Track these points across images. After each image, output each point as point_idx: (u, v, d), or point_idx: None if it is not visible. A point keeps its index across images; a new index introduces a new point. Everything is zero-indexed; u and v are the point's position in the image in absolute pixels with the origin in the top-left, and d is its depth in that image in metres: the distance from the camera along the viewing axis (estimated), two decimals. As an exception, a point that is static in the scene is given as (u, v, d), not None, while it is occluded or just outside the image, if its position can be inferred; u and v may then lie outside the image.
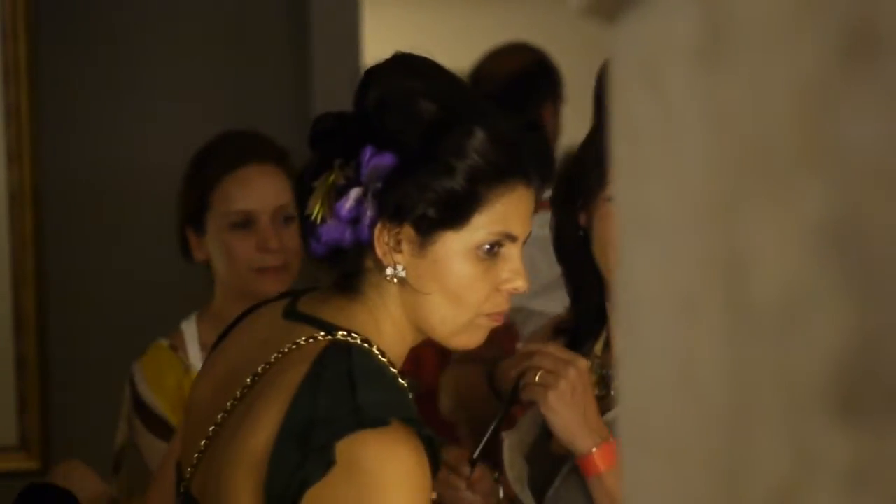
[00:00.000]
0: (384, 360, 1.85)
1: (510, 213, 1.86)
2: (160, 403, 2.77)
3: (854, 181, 0.65)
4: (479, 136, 1.83)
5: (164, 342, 2.84)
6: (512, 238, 1.87)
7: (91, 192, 3.82)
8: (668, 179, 0.85)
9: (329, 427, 1.74)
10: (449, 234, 1.84)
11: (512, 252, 1.88)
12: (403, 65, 1.89)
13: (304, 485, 1.73)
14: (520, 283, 1.88)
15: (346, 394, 1.76)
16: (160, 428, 2.76)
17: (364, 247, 1.84)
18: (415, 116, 1.84)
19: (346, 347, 1.83)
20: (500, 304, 1.88)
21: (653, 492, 0.87)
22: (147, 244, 3.76)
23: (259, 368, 1.85)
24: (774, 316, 0.70)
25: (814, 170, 0.67)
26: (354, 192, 1.83)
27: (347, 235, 1.84)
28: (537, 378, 2.14)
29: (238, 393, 1.86)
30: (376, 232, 1.83)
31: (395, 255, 1.84)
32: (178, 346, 2.83)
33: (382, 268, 1.85)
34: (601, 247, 2.18)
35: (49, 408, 3.86)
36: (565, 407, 2.11)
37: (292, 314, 1.90)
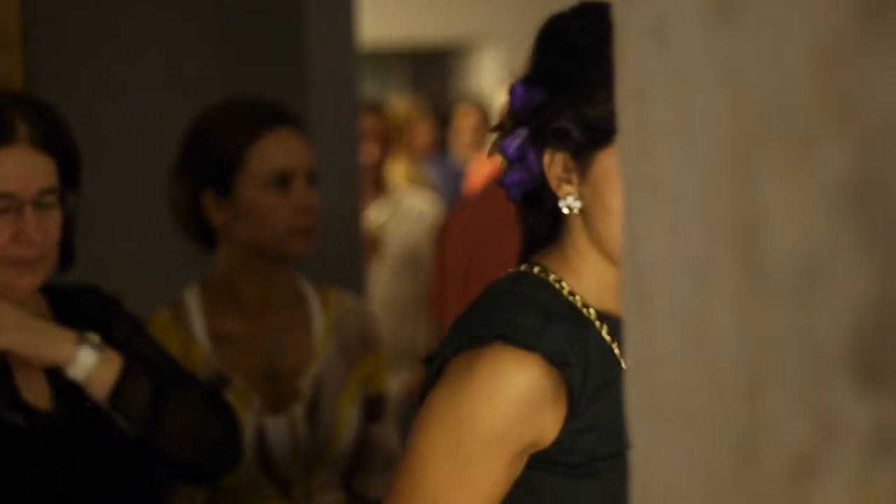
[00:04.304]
0: (565, 292, 1.90)
1: None
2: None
3: (873, 138, 0.63)
4: None
5: (166, 313, 2.82)
6: None
7: (85, 158, 3.80)
8: (677, 140, 0.83)
9: (443, 345, 1.88)
10: (601, 155, 1.87)
11: None
12: (577, 9, 1.96)
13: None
14: None
15: (468, 315, 1.89)
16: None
17: (549, 189, 1.90)
18: (563, 49, 1.91)
19: (515, 276, 1.92)
20: None
21: (665, 460, 0.86)
22: (144, 219, 3.74)
23: None
24: (791, 278, 0.68)
25: (832, 127, 0.65)
26: (519, 132, 1.91)
27: (523, 176, 1.92)
28: None
29: None
30: (545, 166, 1.89)
31: (567, 187, 1.89)
32: (181, 316, 2.81)
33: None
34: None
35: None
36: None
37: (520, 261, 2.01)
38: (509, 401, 1.80)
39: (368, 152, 5.65)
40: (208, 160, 2.78)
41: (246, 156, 2.76)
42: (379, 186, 5.65)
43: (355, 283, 3.74)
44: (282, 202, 2.76)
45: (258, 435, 2.76)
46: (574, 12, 1.94)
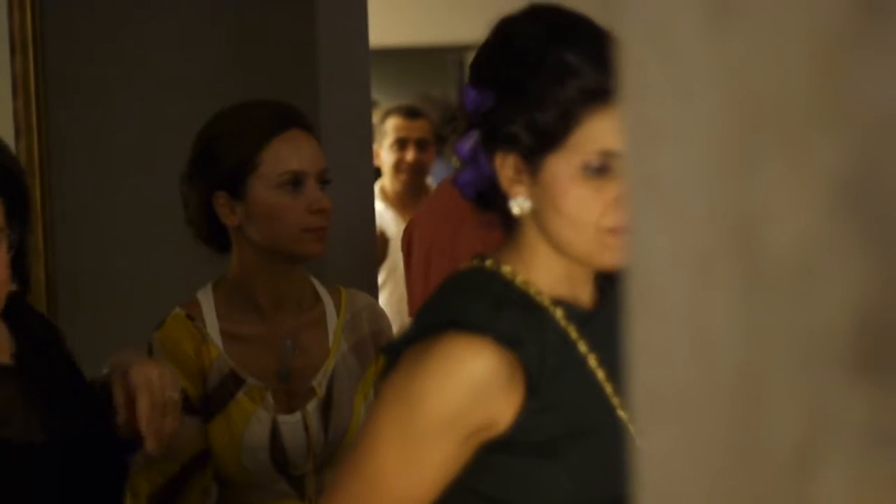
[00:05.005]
0: (517, 281, 1.94)
1: (608, 130, 1.89)
2: (179, 376, 2.77)
3: (869, 134, 0.64)
4: (571, 62, 1.89)
5: (180, 312, 2.84)
6: (616, 155, 1.91)
7: (99, 162, 3.82)
8: (678, 138, 0.84)
9: (400, 337, 1.94)
10: (552, 158, 1.90)
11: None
12: (525, 13, 1.98)
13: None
14: None
15: (424, 308, 1.94)
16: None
17: (501, 189, 1.94)
18: (511, 54, 1.93)
19: (468, 269, 1.97)
20: (621, 219, 1.91)
21: (667, 458, 0.86)
22: (158, 221, 3.75)
23: None
24: (789, 273, 0.69)
25: (829, 124, 0.66)
26: (472, 133, 1.95)
27: (476, 176, 1.96)
28: None
29: None
30: (497, 168, 1.93)
31: (518, 188, 1.93)
32: (194, 316, 2.83)
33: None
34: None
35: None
36: None
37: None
38: (462, 383, 1.83)
39: (411, 158, 5.59)
40: (220, 163, 2.79)
41: (258, 158, 2.78)
42: (424, 192, 5.59)
43: (367, 284, 3.75)
44: (294, 203, 2.78)
45: (272, 433, 2.77)
46: (523, 15, 1.96)
